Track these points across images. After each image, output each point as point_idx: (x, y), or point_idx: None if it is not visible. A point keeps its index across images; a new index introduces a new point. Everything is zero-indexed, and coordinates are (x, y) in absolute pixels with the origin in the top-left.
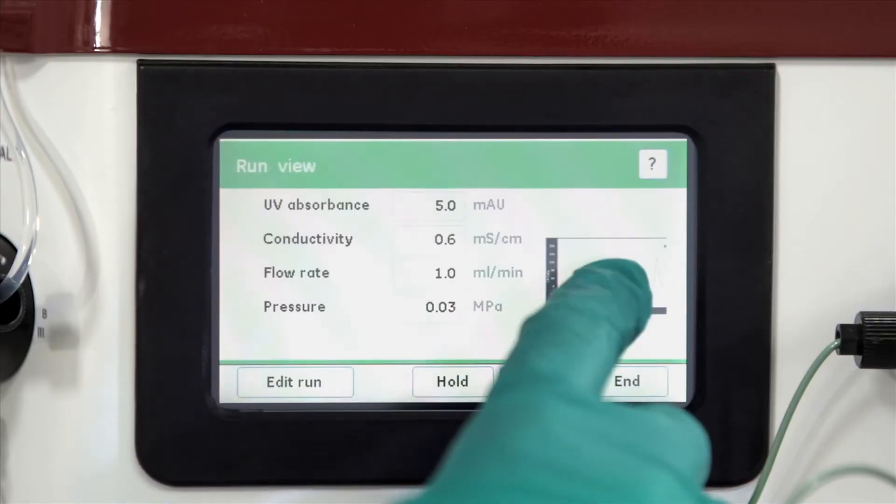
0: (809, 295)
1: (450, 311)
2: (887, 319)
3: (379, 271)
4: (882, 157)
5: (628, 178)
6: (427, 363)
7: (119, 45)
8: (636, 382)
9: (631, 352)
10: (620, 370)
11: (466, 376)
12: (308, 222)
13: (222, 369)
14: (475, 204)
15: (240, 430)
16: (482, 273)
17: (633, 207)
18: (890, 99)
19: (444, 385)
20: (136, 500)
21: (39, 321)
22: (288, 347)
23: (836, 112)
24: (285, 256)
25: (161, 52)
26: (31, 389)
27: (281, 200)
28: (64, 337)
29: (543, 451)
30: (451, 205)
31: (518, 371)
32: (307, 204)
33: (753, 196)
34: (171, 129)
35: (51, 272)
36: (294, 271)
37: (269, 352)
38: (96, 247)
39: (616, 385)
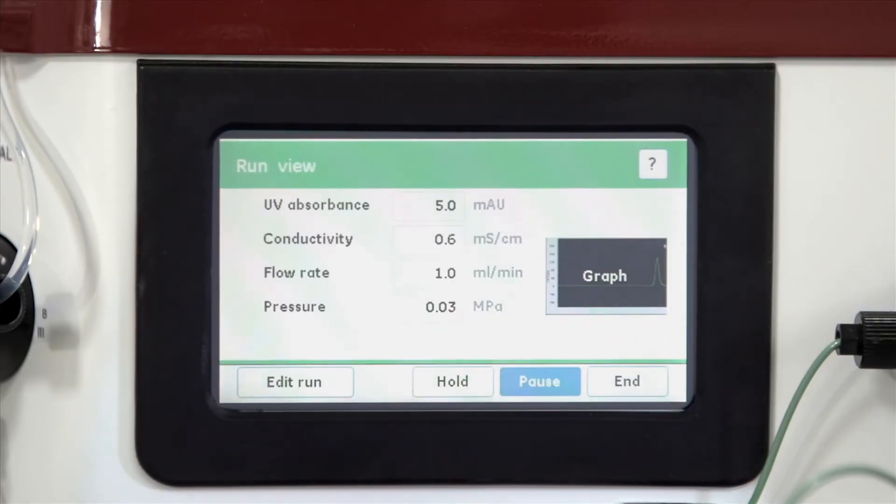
0: (809, 295)
1: (450, 311)
2: (887, 319)
3: (379, 271)
4: (882, 157)
5: (628, 178)
6: (427, 363)
7: (119, 45)
8: (636, 382)
9: (631, 352)
10: (621, 370)
11: (466, 376)
12: (308, 222)
13: (222, 369)
14: (475, 204)
15: (240, 430)
16: (482, 273)
17: (633, 207)
18: (890, 99)
19: (444, 385)
20: (136, 500)
21: (39, 321)
22: (288, 347)
23: (836, 112)
24: (285, 256)
25: (161, 52)
26: (31, 389)
27: (281, 200)
28: (64, 337)
29: None
30: (451, 205)
31: None
32: (307, 204)
33: (753, 196)
34: (171, 129)
35: (51, 272)
36: (294, 271)
37: (269, 352)
38: (96, 247)
39: (616, 385)
